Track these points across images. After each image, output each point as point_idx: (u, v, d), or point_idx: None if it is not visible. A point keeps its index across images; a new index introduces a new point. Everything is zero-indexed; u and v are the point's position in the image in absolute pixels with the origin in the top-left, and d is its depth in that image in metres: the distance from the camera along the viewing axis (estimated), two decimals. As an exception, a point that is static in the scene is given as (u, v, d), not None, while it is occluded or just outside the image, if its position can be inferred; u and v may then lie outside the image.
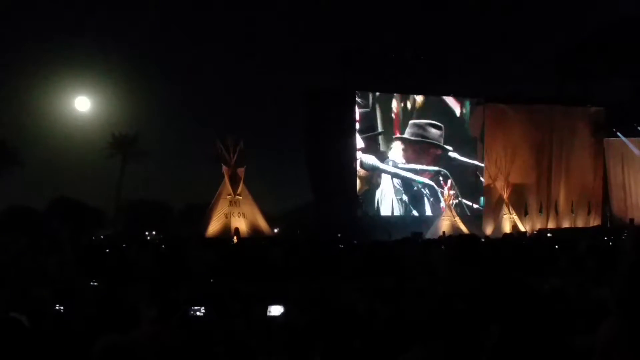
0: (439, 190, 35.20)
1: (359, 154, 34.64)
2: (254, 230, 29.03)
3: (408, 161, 35.18)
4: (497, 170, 35.46)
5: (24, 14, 45.44)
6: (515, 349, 3.07)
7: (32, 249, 15.35)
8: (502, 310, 3.13)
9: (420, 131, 35.56)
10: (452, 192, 34.83)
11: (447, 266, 3.38)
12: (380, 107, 35.53)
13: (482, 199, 36.17)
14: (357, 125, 34.74)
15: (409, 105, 35.96)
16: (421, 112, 35.86)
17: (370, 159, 34.84)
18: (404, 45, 37.63)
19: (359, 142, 34.58)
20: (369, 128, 35.08)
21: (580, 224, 36.48)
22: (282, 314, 5.91)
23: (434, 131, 35.66)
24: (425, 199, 35.39)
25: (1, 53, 46.26)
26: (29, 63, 44.15)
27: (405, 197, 35.12)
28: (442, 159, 35.61)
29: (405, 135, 35.43)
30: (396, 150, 35.17)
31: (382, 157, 35.00)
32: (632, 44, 34.83)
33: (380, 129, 35.27)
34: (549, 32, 40.53)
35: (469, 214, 35.62)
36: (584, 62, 36.98)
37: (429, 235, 28.90)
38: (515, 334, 3.08)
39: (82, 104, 38.94)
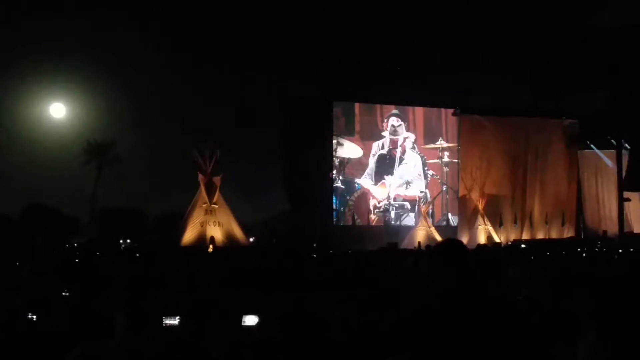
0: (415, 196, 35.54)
1: (340, 150, 34.89)
2: (230, 239, 28.97)
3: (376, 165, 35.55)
4: (473, 181, 35.63)
5: (-1, 20, 45.13)
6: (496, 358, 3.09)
7: (5, 257, 15.21)
8: (481, 319, 3.15)
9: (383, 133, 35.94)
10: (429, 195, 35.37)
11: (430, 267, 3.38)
12: (353, 112, 35.81)
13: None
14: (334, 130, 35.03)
15: (378, 110, 36.27)
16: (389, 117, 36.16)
17: (358, 152, 35.24)
18: (381, 55, 37.84)
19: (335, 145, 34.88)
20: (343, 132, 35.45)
21: (554, 235, 36.72)
22: (257, 323, 5.90)
23: (392, 137, 35.93)
24: (400, 210, 35.62)
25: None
26: (3, 69, 43.81)
27: (381, 206, 35.34)
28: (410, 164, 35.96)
29: (369, 139, 35.77)
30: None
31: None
32: (606, 57, 35.17)
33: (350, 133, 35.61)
34: (525, 44, 40.91)
35: (444, 223, 35.91)
36: (558, 74, 37.27)
37: (404, 245, 28.99)
38: (495, 343, 3.10)
39: (58, 110, 38.63)
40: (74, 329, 5.23)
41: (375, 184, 35.30)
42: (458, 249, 3.39)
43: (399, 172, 35.69)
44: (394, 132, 35.88)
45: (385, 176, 35.41)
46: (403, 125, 36.06)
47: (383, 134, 35.86)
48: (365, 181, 35.26)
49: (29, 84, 41.39)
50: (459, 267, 3.27)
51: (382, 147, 35.71)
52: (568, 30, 39.26)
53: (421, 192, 35.74)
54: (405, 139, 36.06)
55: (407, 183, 35.70)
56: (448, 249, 3.39)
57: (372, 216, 35.35)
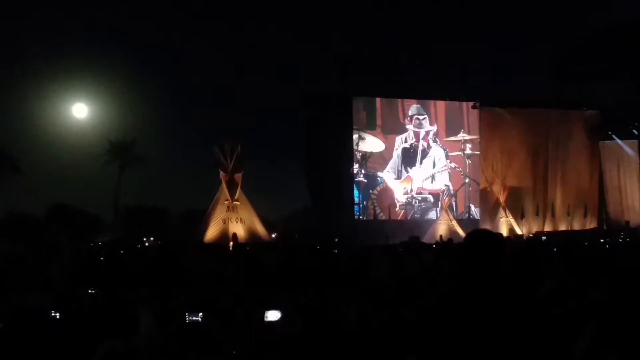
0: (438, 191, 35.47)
1: (362, 144, 34.90)
2: (252, 235, 29.04)
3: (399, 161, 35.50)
4: (494, 173, 35.55)
5: (22, 22, 45.53)
6: (518, 351, 3.12)
7: (31, 255, 15.38)
8: (501, 310, 3.18)
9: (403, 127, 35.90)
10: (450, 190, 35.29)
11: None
12: (374, 107, 35.77)
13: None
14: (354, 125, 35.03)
15: (399, 105, 36.21)
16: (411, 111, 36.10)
17: (380, 146, 35.22)
18: (400, 49, 37.73)
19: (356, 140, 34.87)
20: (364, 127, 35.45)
21: (576, 226, 36.51)
22: (279, 319, 5.96)
23: (416, 129, 35.87)
24: (422, 203, 35.55)
25: (-1, 61, 46.38)
26: (27, 70, 44.27)
27: (404, 200, 35.32)
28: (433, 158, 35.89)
29: (391, 133, 35.73)
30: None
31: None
32: (626, 47, 34.96)
33: (372, 127, 35.58)
34: (545, 36, 40.65)
35: (466, 216, 35.80)
36: (579, 65, 37.14)
37: (426, 239, 28.95)
38: (517, 335, 3.13)
39: (80, 110, 38.95)
40: (100, 326, 5.33)
41: (398, 178, 35.30)
42: (489, 240, 3.40)
43: (424, 165, 35.67)
44: (419, 125, 35.84)
45: (409, 169, 35.43)
46: (427, 119, 36.02)
47: (407, 127, 35.85)
48: (388, 175, 35.26)
49: (51, 85, 41.80)
50: (489, 258, 3.29)
51: (405, 141, 35.69)
52: (589, 21, 38.94)
53: (445, 185, 35.65)
54: (427, 132, 35.99)
55: (432, 177, 35.66)
56: (479, 241, 3.41)
57: (396, 210, 35.33)
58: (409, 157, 35.56)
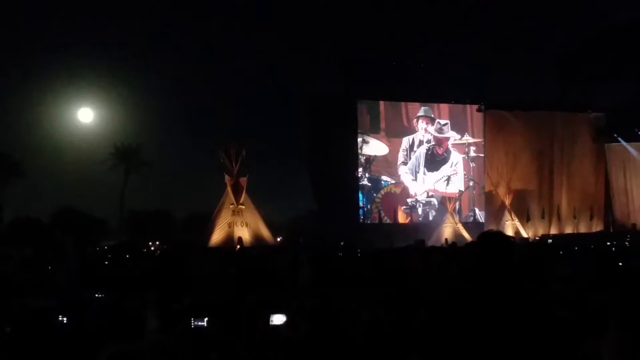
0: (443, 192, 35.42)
1: (366, 148, 34.86)
2: (257, 239, 29.05)
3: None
4: (499, 176, 35.48)
5: (28, 27, 45.63)
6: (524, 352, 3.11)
7: (37, 259, 15.42)
8: (508, 315, 3.18)
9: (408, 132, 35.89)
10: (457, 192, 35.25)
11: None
12: (378, 110, 35.74)
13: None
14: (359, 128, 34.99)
15: (403, 108, 36.15)
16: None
17: (384, 149, 35.17)
18: (405, 52, 37.74)
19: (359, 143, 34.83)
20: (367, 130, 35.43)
21: (582, 229, 36.39)
22: (285, 322, 5.95)
23: (438, 135, 35.85)
24: (428, 207, 35.50)
25: (5, 65, 46.52)
26: (32, 75, 44.37)
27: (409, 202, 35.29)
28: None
29: (395, 137, 35.70)
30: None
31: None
32: (631, 49, 34.92)
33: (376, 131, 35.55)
34: (549, 38, 40.62)
35: (471, 219, 35.73)
36: (584, 67, 37.09)
37: (431, 242, 28.91)
38: (524, 339, 3.12)
39: (85, 115, 39.02)
40: (106, 330, 5.33)
41: (416, 180, 35.27)
42: (501, 242, 3.40)
43: (442, 171, 35.63)
44: (440, 131, 35.79)
45: (427, 172, 35.45)
46: (449, 124, 36.00)
47: (429, 129, 35.74)
48: (405, 176, 35.23)
49: (57, 90, 41.90)
50: (501, 260, 3.29)
51: (413, 143, 35.62)
52: (593, 23, 38.88)
53: (460, 190, 35.60)
54: (448, 138, 35.97)
55: (447, 182, 35.59)
56: (491, 242, 3.40)
57: (401, 213, 35.27)
58: (428, 161, 35.51)
